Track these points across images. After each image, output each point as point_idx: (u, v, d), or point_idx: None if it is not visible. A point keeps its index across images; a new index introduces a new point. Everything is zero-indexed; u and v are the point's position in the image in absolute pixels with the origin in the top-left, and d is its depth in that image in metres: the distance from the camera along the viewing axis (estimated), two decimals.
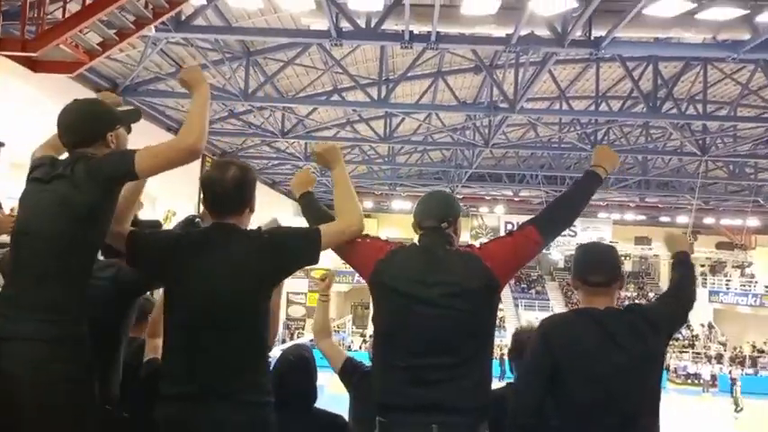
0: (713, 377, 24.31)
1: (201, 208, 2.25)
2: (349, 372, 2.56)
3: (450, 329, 1.94)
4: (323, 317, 2.74)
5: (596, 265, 2.14)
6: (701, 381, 23.97)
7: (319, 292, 2.84)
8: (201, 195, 2.11)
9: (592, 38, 7.95)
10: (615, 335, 2.02)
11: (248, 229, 2.06)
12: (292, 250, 2.03)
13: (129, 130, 2.18)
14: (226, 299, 1.91)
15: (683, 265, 2.38)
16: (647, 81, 11.70)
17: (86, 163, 1.89)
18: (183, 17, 8.11)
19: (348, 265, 2.25)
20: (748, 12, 6.85)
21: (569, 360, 2.02)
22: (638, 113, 13.27)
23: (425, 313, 1.94)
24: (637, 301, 29.38)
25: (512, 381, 2.39)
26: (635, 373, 2.00)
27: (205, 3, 7.80)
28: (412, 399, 1.92)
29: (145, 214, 3.12)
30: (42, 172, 1.95)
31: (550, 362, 2.03)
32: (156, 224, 2.56)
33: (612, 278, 2.13)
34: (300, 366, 2.37)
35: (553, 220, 2.12)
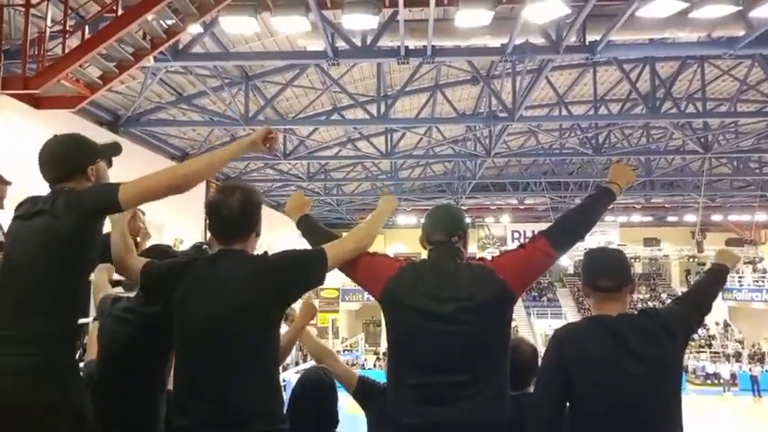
0: (733, 376, 23.99)
1: (209, 235, 2.24)
2: (363, 391, 2.50)
3: (464, 345, 1.91)
4: (313, 343, 2.62)
5: (605, 271, 2.11)
6: (721, 380, 23.63)
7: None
8: (207, 221, 2.10)
9: (587, 43, 7.98)
10: (628, 341, 1.98)
11: (255, 253, 2.05)
12: (299, 272, 2.02)
13: (110, 164, 2.21)
14: (232, 324, 1.89)
15: (715, 274, 2.37)
16: (644, 82, 11.72)
17: (66, 196, 1.92)
18: (181, 46, 8.22)
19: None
20: (741, 8, 6.86)
21: (581, 369, 1.99)
22: (637, 115, 13.26)
23: (440, 329, 1.92)
24: (650, 304, 29.19)
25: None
26: (650, 380, 1.96)
27: (202, 30, 7.90)
28: (427, 417, 1.89)
29: (152, 243, 3.13)
30: (24, 209, 1.98)
31: (563, 372, 2.00)
32: (168, 249, 2.56)
33: (623, 282, 2.10)
34: (319, 388, 2.33)
35: (565, 232, 2.11)
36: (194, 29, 7.28)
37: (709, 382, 24.14)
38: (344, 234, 2.20)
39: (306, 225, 2.29)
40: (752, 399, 21.72)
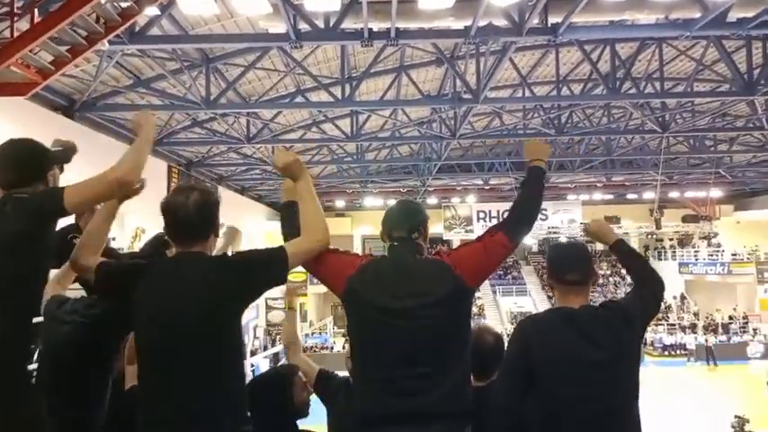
0: (686, 346, 25.05)
1: None
2: (324, 384, 2.56)
3: (425, 339, 1.95)
4: (292, 327, 2.71)
5: (572, 265, 2.19)
6: (687, 351, 24.49)
7: (286, 304, 2.78)
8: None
9: (549, 25, 8.04)
10: (591, 333, 2.06)
11: (214, 254, 2.04)
12: (259, 272, 2.01)
13: (61, 170, 2.19)
14: (193, 327, 1.88)
15: (627, 254, 2.44)
16: (605, 62, 11.91)
17: (14, 203, 1.89)
18: (137, 28, 7.95)
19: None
20: None
21: (546, 361, 2.05)
22: (598, 96, 13.49)
23: (400, 324, 1.96)
24: (611, 279, 29.96)
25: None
26: (612, 371, 2.04)
27: (159, 13, 7.65)
28: (392, 409, 1.93)
29: (113, 233, 3.06)
30: None
31: (527, 363, 2.07)
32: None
33: (587, 276, 2.18)
34: (269, 381, 2.42)
35: (520, 223, 2.16)
36: (151, 11, 7.05)
37: (666, 353, 25.12)
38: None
39: (288, 214, 2.25)
40: (707, 368, 22.69)
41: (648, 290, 2.31)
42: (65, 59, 6.02)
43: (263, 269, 2.02)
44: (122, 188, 1.93)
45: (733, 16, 8.07)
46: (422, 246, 2.12)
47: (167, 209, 1.97)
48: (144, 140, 2.04)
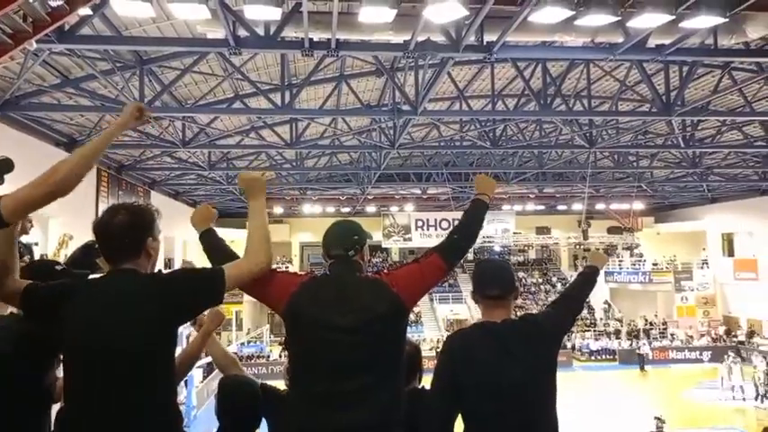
0: (611, 351, 26.25)
1: None
2: (264, 399, 2.58)
3: (363, 354, 2.04)
4: (220, 350, 2.72)
5: (493, 281, 2.35)
6: (637, 356, 25.43)
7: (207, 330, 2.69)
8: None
9: (484, 43, 8.34)
10: (511, 346, 2.20)
11: (148, 272, 2.02)
12: (195, 292, 2.00)
13: (1, 181, 2.14)
14: (123, 348, 1.85)
15: (586, 276, 2.65)
16: (537, 80, 12.43)
17: None
18: (67, 26, 7.65)
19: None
20: (620, 18, 7.47)
21: (469, 374, 2.17)
22: (530, 112, 14.05)
23: (340, 340, 2.03)
24: (542, 287, 30.97)
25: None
26: (532, 381, 2.19)
27: (91, 13, 7.39)
28: (331, 423, 1.99)
29: (36, 237, 2.96)
30: None
31: (453, 377, 2.19)
32: (50, 265, 2.45)
33: (508, 291, 2.34)
34: (243, 390, 2.47)
35: (455, 248, 2.29)
36: (83, 10, 6.81)
37: (593, 358, 26.25)
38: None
39: (209, 240, 2.28)
40: (637, 372, 23.94)
41: (568, 307, 2.52)
42: None
43: (199, 289, 2.01)
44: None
45: (652, 42, 8.65)
46: (361, 264, 2.22)
47: (95, 229, 1.98)
48: (95, 147, 2.02)
